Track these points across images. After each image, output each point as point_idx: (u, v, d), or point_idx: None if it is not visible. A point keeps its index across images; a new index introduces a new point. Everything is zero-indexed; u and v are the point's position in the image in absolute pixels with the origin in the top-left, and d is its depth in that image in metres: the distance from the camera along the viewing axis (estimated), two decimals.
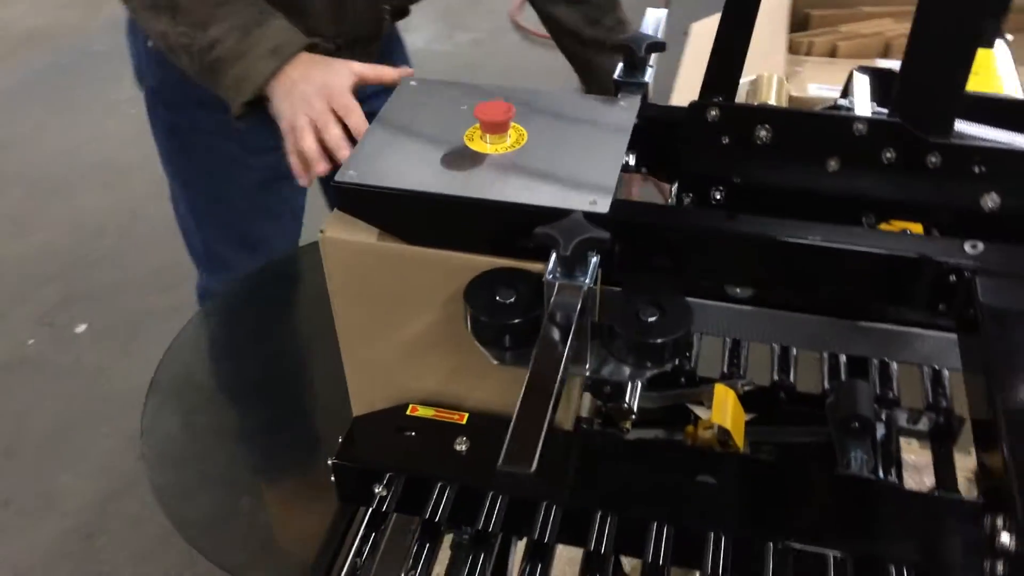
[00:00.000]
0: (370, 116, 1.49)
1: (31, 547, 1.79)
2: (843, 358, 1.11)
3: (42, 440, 2.02)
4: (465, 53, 3.61)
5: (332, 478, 0.87)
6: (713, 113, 0.72)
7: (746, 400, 1.05)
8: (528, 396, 0.63)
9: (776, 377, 1.08)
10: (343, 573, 0.86)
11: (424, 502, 0.88)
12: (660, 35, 1.06)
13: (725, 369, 1.10)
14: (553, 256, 0.72)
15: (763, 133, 0.72)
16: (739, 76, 0.71)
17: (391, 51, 1.44)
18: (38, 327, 2.34)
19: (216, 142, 1.06)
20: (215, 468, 0.98)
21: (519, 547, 0.89)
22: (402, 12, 1.32)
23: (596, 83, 1.39)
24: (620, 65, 0.96)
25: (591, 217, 0.75)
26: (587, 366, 0.77)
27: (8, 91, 3.39)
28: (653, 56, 0.98)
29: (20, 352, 2.27)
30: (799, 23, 2.14)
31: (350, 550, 0.87)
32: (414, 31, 3.81)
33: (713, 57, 0.71)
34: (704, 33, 2.38)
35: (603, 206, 0.76)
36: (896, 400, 1.04)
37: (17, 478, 1.93)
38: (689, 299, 0.85)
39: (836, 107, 0.77)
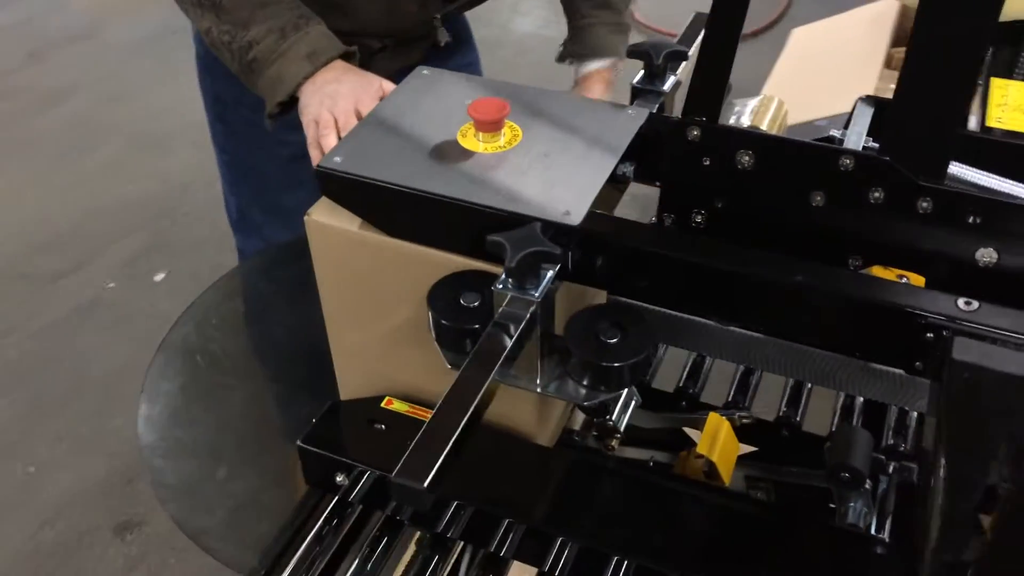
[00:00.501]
0: None
1: (73, 484, 1.89)
2: (859, 400, 1.05)
3: (104, 382, 2.12)
4: None
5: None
6: (695, 133, 0.68)
7: (747, 433, 1.00)
8: (444, 407, 0.62)
9: (782, 412, 1.03)
10: (298, 555, 0.86)
11: (387, 498, 0.87)
12: (698, 43, 1.01)
13: (730, 397, 1.05)
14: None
15: (746, 159, 0.68)
16: (723, 95, 0.67)
17: (457, 52, 1.43)
18: (120, 272, 2.46)
19: (254, 117, 1.08)
20: (203, 434, 1.00)
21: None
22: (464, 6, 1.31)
23: (579, 41, 1.37)
24: (641, 72, 0.93)
25: (560, 228, 0.73)
26: (538, 381, 0.74)
27: (124, 46, 3.57)
28: (683, 65, 0.94)
29: (99, 294, 2.39)
30: (904, 36, 2.02)
31: (309, 534, 0.87)
32: (524, 15, 3.80)
33: (696, 73, 0.67)
34: (805, 39, 2.27)
35: (575, 218, 0.73)
36: (909, 454, 0.97)
37: (76, 416, 2.04)
38: (700, 320, 0.81)
39: (829, 138, 0.72)
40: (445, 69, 1.37)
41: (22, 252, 2.54)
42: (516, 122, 0.85)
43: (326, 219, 0.84)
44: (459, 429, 0.60)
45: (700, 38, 0.66)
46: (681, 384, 1.06)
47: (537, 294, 0.68)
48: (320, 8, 1.11)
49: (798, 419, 1.02)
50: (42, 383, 2.14)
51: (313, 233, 0.85)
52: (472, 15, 1.40)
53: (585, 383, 0.73)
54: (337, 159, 0.81)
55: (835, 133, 0.71)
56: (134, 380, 2.11)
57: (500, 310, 0.69)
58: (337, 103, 0.99)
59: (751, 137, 0.68)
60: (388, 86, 1.02)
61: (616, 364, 0.71)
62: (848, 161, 0.65)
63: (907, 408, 0.96)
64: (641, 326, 0.73)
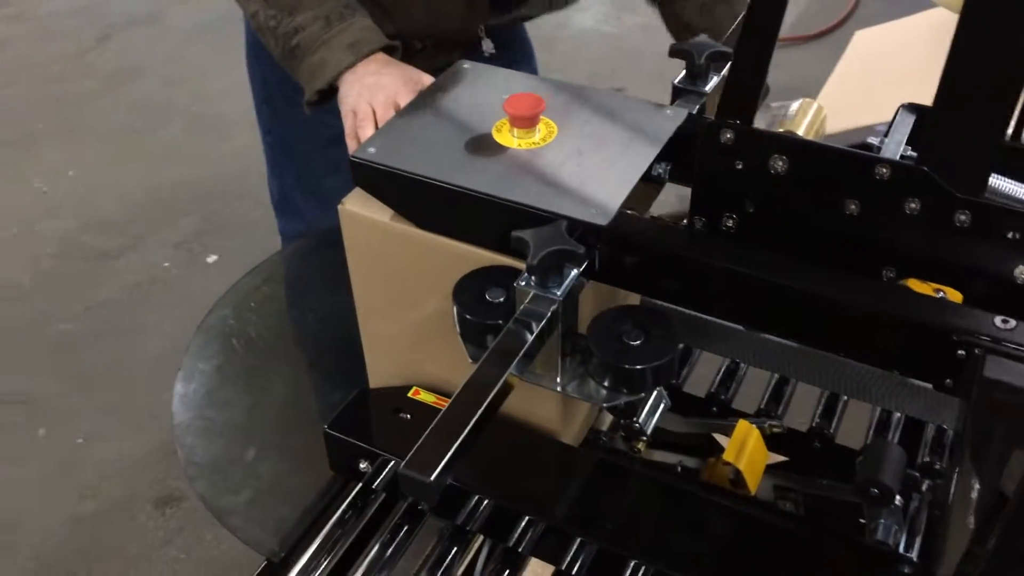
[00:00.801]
0: None
1: (121, 454, 1.94)
2: (897, 415, 1.02)
3: (157, 357, 2.17)
4: (631, 37, 3.53)
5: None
6: (728, 136, 0.67)
7: (778, 442, 0.99)
8: (457, 401, 0.62)
9: (815, 423, 1.00)
10: (320, 538, 0.87)
11: None
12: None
13: (762, 405, 1.03)
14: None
15: (779, 164, 0.66)
16: (757, 97, 0.65)
17: (513, 57, 1.43)
18: (175, 252, 2.51)
19: (299, 100, 1.09)
20: (234, 416, 1.02)
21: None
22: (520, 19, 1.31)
23: None
24: (683, 72, 0.91)
25: (586, 227, 0.72)
26: (558, 380, 0.74)
27: (186, 32, 3.64)
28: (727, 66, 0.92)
29: (156, 273, 2.45)
30: None
31: (332, 518, 0.88)
32: (583, 10, 3.77)
33: (731, 77, 0.66)
34: (867, 42, 2.21)
35: (604, 217, 0.72)
36: (944, 472, 0.94)
37: (128, 389, 2.10)
38: (733, 326, 0.80)
39: (867, 145, 0.69)
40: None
41: (82, 230, 2.62)
42: (552, 118, 0.84)
43: (359, 209, 0.84)
44: (470, 425, 0.60)
45: (738, 39, 0.64)
46: (713, 389, 1.04)
47: (559, 293, 0.68)
48: (370, 9, 1.12)
49: (832, 431, 0.99)
50: (96, 357, 2.20)
51: (346, 222, 0.86)
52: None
53: (606, 384, 0.73)
54: (371, 150, 0.82)
55: (873, 140, 0.69)
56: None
57: (521, 307, 0.69)
58: (376, 95, 0.99)
59: (785, 142, 0.66)
60: (428, 80, 1.02)
61: (638, 367, 0.70)
62: (884, 170, 0.63)
63: (944, 426, 0.93)
64: (666, 329, 0.72)
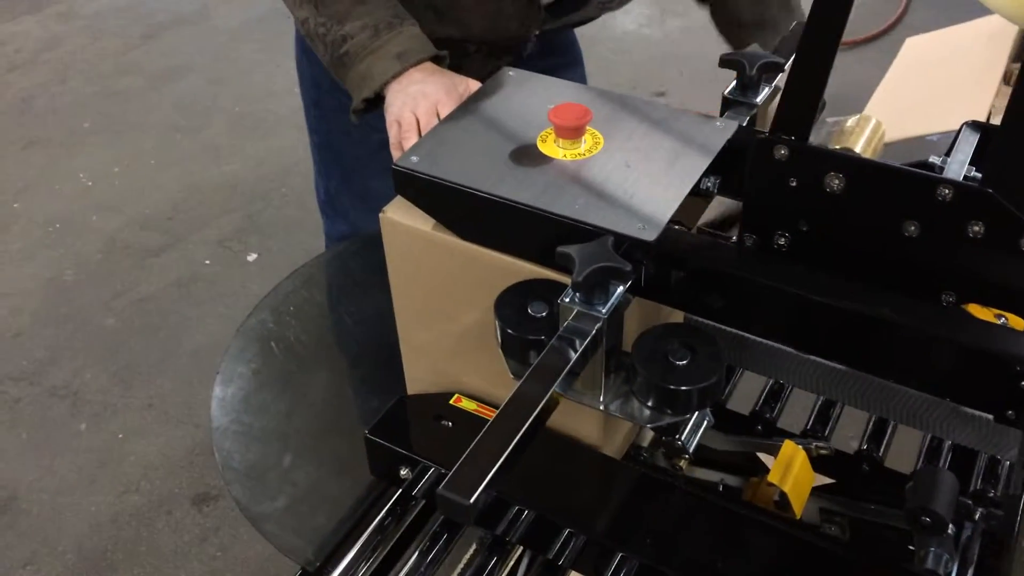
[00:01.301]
0: None
1: (160, 450, 1.96)
2: (948, 441, 0.99)
3: (196, 355, 2.20)
4: (674, 40, 3.50)
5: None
6: (782, 152, 0.65)
7: (825, 464, 0.96)
8: (499, 420, 0.60)
9: (864, 446, 0.98)
10: (359, 544, 0.86)
11: None
12: None
13: (808, 426, 1.00)
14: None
15: (835, 182, 0.64)
16: (815, 113, 0.63)
17: (557, 68, 1.41)
18: (216, 250, 2.54)
19: (348, 102, 1.09)
20: (272, 421, 1.02)
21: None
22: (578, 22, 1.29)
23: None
24: (733, 83, 0.89)
25: (633, 243, 0.70)
26: (601, 398, 0.72)
27: (232, 30, 3.67)
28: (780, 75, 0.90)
29: (197, 270, 2.47)
30: (1022, 50, 1.90)
31: (371, 525, 0.88)
32: (625, 13, 3.74)
33: (787, 89, 0.63)
34: (918, 49, 2.17)
35: (651, 233, 0.71)
36: (997, 500, 0.91)
37: (166, 386, 2.12)
38: (780, 347, 0.78)
39: (927, 164, 0.67)
40: (542, 68, 1.37)
41: (126, 225, 2.65)
42: (598, 129, 0.83)
43: (400, 217, 0.83)
44: (511, 446, 0.58)
45: (797, 51, 0.62)
46: (758, 407, 1.02)
47: (604, 310, 0.66)
48: (424, 12, 1.12)
49: (880, 454, 0.96)
50: (137, 352, 2.22)
51: (387, 230, 0.85)
52: None
53: (650, 404, 0.71)
54: (414, 159, 0.81)
55: (935, 160, 0.66)
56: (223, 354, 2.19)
57: (565, 324, 0.67)
58: (420, 104, 0.98)
59: (842, 160, 0.64)
60: (475, 86, 1.01)
61: (683, 387, 0.68)
62: (947, 191, 0.60)
63: (999, 456, 0.90)
64: (712, 349, 0.70)
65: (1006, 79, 1.78)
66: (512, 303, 0.75)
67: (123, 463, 1.94)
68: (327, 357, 1.12)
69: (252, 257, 2.52)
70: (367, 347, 1.11)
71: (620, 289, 0.67)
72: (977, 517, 0.90)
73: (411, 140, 0.97)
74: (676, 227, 0.74)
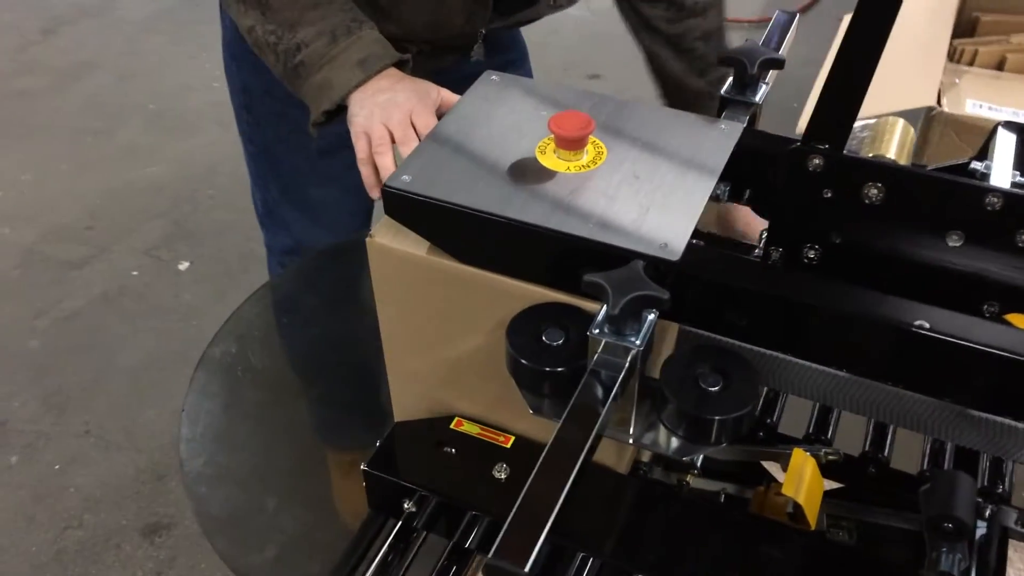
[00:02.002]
0: None
1: (103, 479, 1.84)
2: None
3: (131, 374, 2.07)
4: (604, 20, 3.47)
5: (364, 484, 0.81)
6: (816, 162, 0.61)
7: (830, 467, 0.94)
8: (542, 473, 0.55)
9: (868, 449, 0.96)
10: None
11: (455, 526, 0.81)
12: (786, 46, 0.93)
13: (810, 430, 0.98)
14: (603, 309, 0.62)
15: (873, 192, 0.61)
16: (853, 121, 0.59)
17: (509, 58, 1.36)
18: (144, 259, 2.40)
19: (285, 108, 1.01)
20: (248, 459, 0.94)
21: None
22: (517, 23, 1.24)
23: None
24: (729, 80, 0.85)
25: (656, 263, 0.66)
26: (631, 431, 0.68)
27: (139, 22, 3.49)
28: (771, 73, 0.86)
29: (124, 282, 2.33)
30: (965, 27, 1.92)
31: (372, 561, 0.82)
32: None
33: (824, 95, 0.59)
34: None
35: (674, 252, 0.66)
36: (1006, 496, 0.90)
37: (101, 409, 1.99)
38: (776, 355, 0.75)
39: (968, 170, 0.64)
40: (488, 67, 1.31)
41: (43, 237, 2.49)
42: (598, 137, 0.78)
43: (390, 242, 0.77)
44: (560, 500, 0.53)
45: (837, 51, 0.58)
46: (757, 413, 0.99)
47: (639, 341, 0.61)
48: (364, 9, 1.04)
49: (886, 455, 0.95)
50: (67, 375, 2.09)
51: (375, 256, 0.79)
52: None
53: (682, 434, 0.67)
54: (405, 178, 0.74)
55: (977, 165, 0.64)
56: (162, 372, 2.08)
57: (596, 357, 0.62)
58: (391, 115, 0.91)
59: (883, 169, 0.60)
60: (446, 95, 0.95)
61: (719, 417, 0.64)
62: (996, 200, 0.58)
63: (1006, 459, 0.89)
64: (746, 372, 0.66)
65: (952, 56, 1.79)
66: (524, 331, 0.70)
67: (62, 496, 1.81)
68: (302, 385, 1.05)
69: (184, 265, 2.40)
70: (344, 371, 1.04)
71: (652, 316, 0.62)
72: (987, 515, 0.89)
73: (386, 155, 0.90)
74: (693, 241, 0.70)
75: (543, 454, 0.56)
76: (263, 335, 1.09)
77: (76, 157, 2.80)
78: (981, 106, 1.63)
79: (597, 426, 0.58)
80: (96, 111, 3.00)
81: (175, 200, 2.61)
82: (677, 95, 1.30)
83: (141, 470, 1.86)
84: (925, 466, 0.94)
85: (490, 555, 0.51)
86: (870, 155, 0.63)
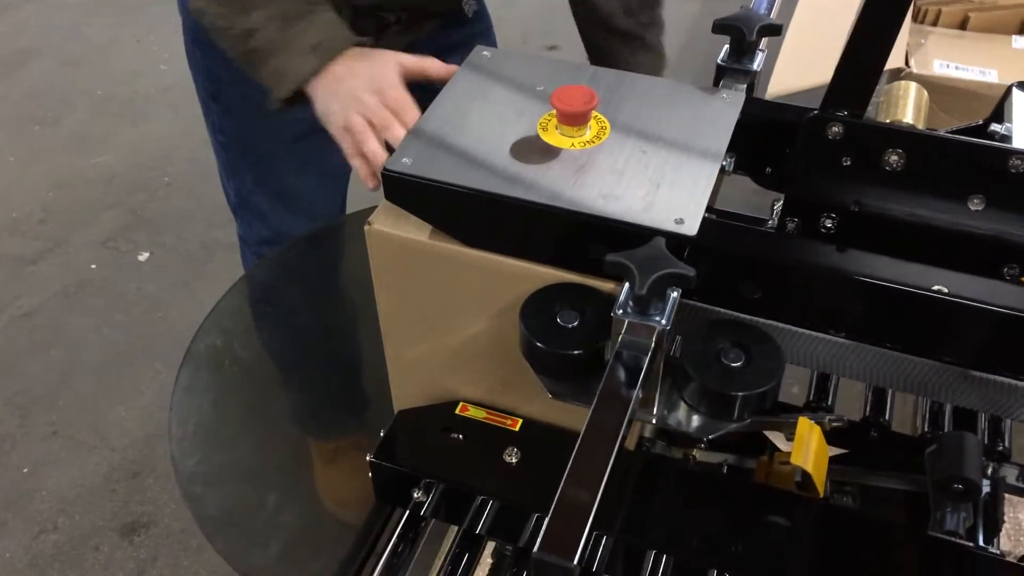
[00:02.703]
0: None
1: (76, 480, 1.79)
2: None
3: (97, 370, 2.01)
4: None
5: (370, 476, 0.79)
6: (835, 130, 0.60)
7: (834, 434, 0.94)
8: (580, 462, 0.54)
9: (868, 413, 0.96)
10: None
11: (465, 512, 0.80)
12: (775, 10, 0.92)
13: (811, 397, 0.98)
14: (625, 288, 0.61)
15: (894, 158, 0.60)
16: (874, 86, 0.58)
17: (479, 28, 1.32)
18: (102, 252, 2.33)
19: (255, 94, 0.96)
20: (244, 456, 0.92)
21: None
22: None
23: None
24: (725, 48, 0.84)
25: (674, 239, 0.64)
26: (654, 411, 0.66)
27: (79, 5, 3.36)
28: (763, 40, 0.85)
29: (83, 276, 2.26)
30: None
31: (383, 551, 0.80)
32: None
33: (844, 61, 0.58)
34: None
35: (691, 227, 0.65)
36: (1007, 454, 0.91)
37: (69, 407, 1.93)
38: (776, 324, 0.74)
39: (988, 131, 0.64)
40: (457, 38, 1.27)
41: None
42: (600, 112, 0.76)
43: (390, 228, 0.74)
44: (601, 488, 0.52)
45: (857, 17, 0.57)
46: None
47: (664, 320, 0.60)
48: None
49: (887, 418, 0.95)
50: (30, 374, 2.02)
51: (375, 244, 0.76)
52: None
53: (705, 411, 0.66)
54: (405, 160, 0.72)
55: (997, 128, 0.63)
56: (129, 367, 2.03)
57: (620, 338, 0.61)
58: (364, 102, 0.87)
59: (904, 135, 0.59)
60: (405, 59, 0.91)
61: (743, 393, 0.63)
62: (1020, 162, 0.57)
63: (1007, 417, 0.90)
64: (768, 346, 0.65)
65: (915, 17, 1.80)
66: (538, 313, 0.68)
67: (33, 500, 1.76)
68: (293, 376, 1.02)
69: (144, 256, 2.33)
70: (335, 360, 1.02)
71: (675, 295, 0.61)
72: (990, 472, 0.90)
73: (371, 143, 0.86)
74: (707, 216, 0.69)
75: (578, 442, 0.55)
76: (247, 327, 1.06)
77: (23, 148, 2.69)
78: (948, 66, 1.64)
79: (629, 411, 0.56)
80: (41, 99, 2.89)
81: (130, 189, 2.53)
82: (602, 40, 1.24)
83: (114, 468, 1.81)
84: (926, 428, 0.95)
85: (536, 549, 0.50)
86: (888, 121, 0.62)
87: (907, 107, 0.63)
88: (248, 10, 0.91)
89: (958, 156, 0.59)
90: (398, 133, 0.82)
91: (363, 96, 0.89)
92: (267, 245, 1.34)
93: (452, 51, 1.31)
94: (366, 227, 0.75)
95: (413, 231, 0.74)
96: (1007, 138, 0.62)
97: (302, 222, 1.30)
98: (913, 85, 0.65)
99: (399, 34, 1.17)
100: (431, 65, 0.90)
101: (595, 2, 1.20)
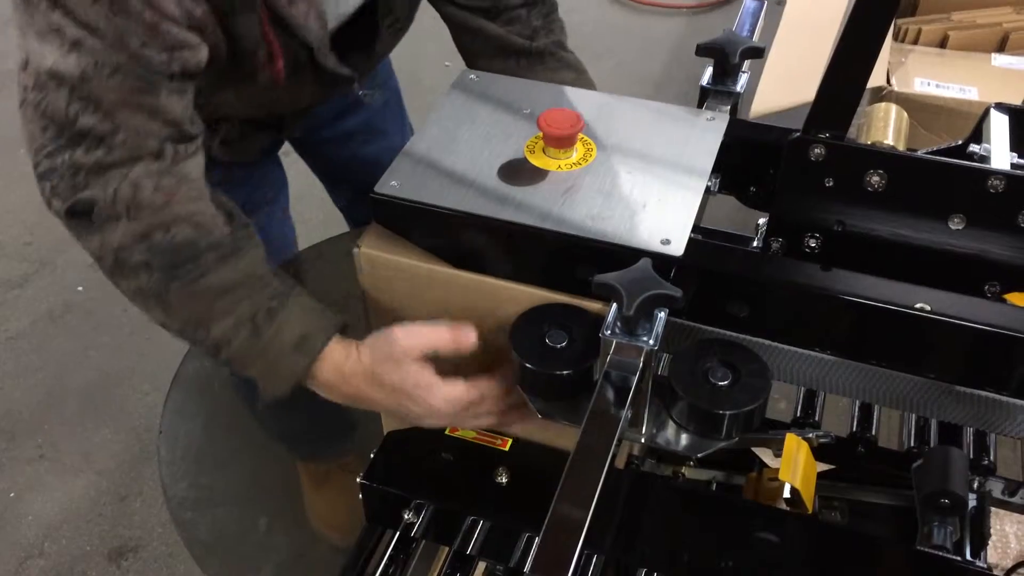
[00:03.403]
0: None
1: (62, 505, 1.78)
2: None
3: (83, 393, 2.00)
4: None
5: (360, 497, 0.79)
6: (817, 151, 0.61)
7: (821, 449, 0.95)
8: (570, 481, 0.54)
9: (855, 429, 0.97)
10: None
11: (455, 532, 0.80)
12: (758, 33, 0.94)
13: (798, 413, 0.99)
14: (613, 309, 0.61)
15: (875, 179, 0.61)
16: (855, 109, 0.60)
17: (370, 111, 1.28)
18: (89, 273, 2.31)
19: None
20: (234, 479, 0.92)
21: None
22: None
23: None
24: (708, 70, 0.85)
25: (661, 259, 0.65)
26: (643, 430, 0.67)
27: None
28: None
29: (69, 298, 2.25)
30: (906, 6, 1.96)
31: (374, 573, 0.80)
32: None
33: (825, 83, 0.59)
34: (801, 8, 2.20)
35: (677, 247, 0.66)
36: (992, 468, 0.92)
37: (55, 431, 1.92)
38: (762, 341, 0.75)
39: (967, 152, 0.65)
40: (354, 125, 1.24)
41: None
42: (586, 134, 0.77)
43: (380, 252, 0.75)
44: (591, 510, 0.53)
45: (838, 39, 0.58)
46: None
47: (651, 340, 0.61)
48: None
49: (873, 434, 0.96)
50: (16, 398, 2.01)
51: (367, 267, 0.76)
52: None
53: (693, 429, 0.66)
54: (394, 183, 0.72)
55: (975, 148, 0.64)
56: (116, 389, 2.02)
57: (608, 358, 0.62)
58: (379, 401, 0.78)
59: (885, 157, 0.60)
60: (409, 343, 0.75)
61: (731, 412, 0.64)
62: (998, 182, 0.58)
63: (992, 432, 0.91)
64: (755, 365, 0.66)
65: (895, 36, 1.82)
66: (527, 334, 0.69)
67: (19, 525, 1.74)
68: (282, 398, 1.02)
69: None
70: None
71: (663, 315, 0.62)
72: (976, 485, 0.91)
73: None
74: (693, 236, 0.69)
75: (569, 461, 0.55)
76: None
77: (7, 169, 2.68)
78: (928, 84, 1.67)
79: (618, 431, 0.57)
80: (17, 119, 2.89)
81: None
82: (510, 65, 1.04)
83: (102, 492, 1.79)
84: (912, 443, 0.95)
85: (528, 569, 0.50)
86: (869, 142, 0.64)
87: (887, 128, 0.64)
88: (209, 324, 0.78)
89: (938, 177, 0.60)
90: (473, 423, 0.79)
91: (408, 414, 0.79)
92: None
93: (351, 137, 1.28)
94: (356, 251, 0.75)
95: (402, 253, 0.75)
96: (985, 158, 0.63)
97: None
98: (893, 107, 0.66)
99: (235, 144, 1.08)
100: (440, 339, 0.76)
101: (487, 31, 1.02)
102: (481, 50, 1.04)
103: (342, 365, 0.78)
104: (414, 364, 0.75)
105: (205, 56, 0.78)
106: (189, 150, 0.79)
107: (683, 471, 0.93)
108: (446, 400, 0.76)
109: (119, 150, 0.74)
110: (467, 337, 0.74)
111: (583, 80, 1.06)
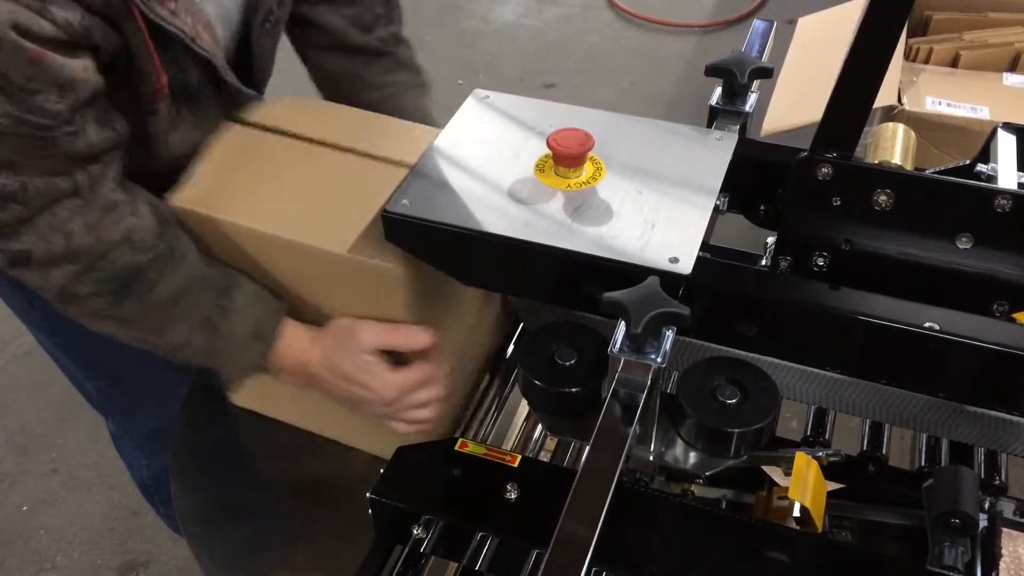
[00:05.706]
0: None
1: (74, 519, 1.79)
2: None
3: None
4: (554, 29, 3.48)
5: (370, 512, 0.80)
6: (825, 171, 0.61)
7: (831, 468, 0.95)
8: (579, 497, 0.54)
9: (866, 447, 0.97)
10: None
11: (464, 548, 0.80)
12: (767, 53, 0.94)
13: (808, 431, 0.98)
14: (621, 327, 0.62)
15: (883, 198, 0.61)
16: (863, 127, 0.60)
17: None
18: None
19: None
20: (245, 493, 0.92)
21: None
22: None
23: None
24: (718, 91, 0.85)
25: (669, 278, 0.65)
26: (651, 447, 0.67)
27: None
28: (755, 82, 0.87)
29: None
30: (917, 26, 1.96)
31: None
32: (503, 4, 3.71)
33: (833, 103, 0.60)
34: (812, 29, 2.21)
35: (685, 265, 0.66)
36: (1003, 488, 0.92)
37: (68, 445, 1.93)
38: (772, 360, 0.75)
39: (974, 171, 0.65)
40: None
41: None
42: (595, 153, 0.77)
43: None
44: (598, 528, 0.53)
45: (845, 60, 0.58)
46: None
47: (659, 358, 0.61)
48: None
49: (884, 452, 0.96)
50: (30, 412, 2.02)
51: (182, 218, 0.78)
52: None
53: (701, 447, 0.67)
54: (405, 202, 0.73)
55: (982, 168, 0.65)
56: None
57: (616, 376, 0.62)
58: (351, 376, 0.83)
59: (892, 176, 0.61)
60: (368, 337, 0.82)
61: (739, 430, 0.64)
62: (1005, 202, 0.58)
63: (1002, 451, 0.91)
64: (763, 383, 0.66)
65: (907, 55, 1.83)
66: (536, 351, 0.69)
67: (31, 539, 1.75)
68: None
69: None
70: None
71: (671, 333, 0.62)
72: (987, 507, 0.90)
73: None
74: (702, 255, 0.70)
75: (577, 478, 0.56)
76: None
77: None
78: (940, 103, 1.67)
79: (626, 448, 0.57)
80: None
81: None
82: (339, 62, 1.03)
83: (113, 507, 1.80)
84: (922, 462, 0.95)
85: None
86: (876, 162, 0.64)
87: (895, 148, 0.64)
88: (164, 331, 0.82)
89: (945, 196, 0.60)
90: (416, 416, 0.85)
91: (362, 402, 0.85)
92: (154, 439, 1.26)
93: None
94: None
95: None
96: (992, 178, 0.63)
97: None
98: (900, 127, 0.67)
99: None
100: (398, 338, 0.82)
101: (322, 22, 1.00)
102: (316, 41, 1.03)
103: (303, 352, 0.84)
104: (367, 355, 0.81)
105: (99, 83, 0.74)
106: (104, 167, 0.77)
107: (692, 489, 0.93)
108: (387, 384, 0.82)
109: (36, 201, 0.73)
110: (421, 337, 0.80)
111: (417, 80, 1.05)
